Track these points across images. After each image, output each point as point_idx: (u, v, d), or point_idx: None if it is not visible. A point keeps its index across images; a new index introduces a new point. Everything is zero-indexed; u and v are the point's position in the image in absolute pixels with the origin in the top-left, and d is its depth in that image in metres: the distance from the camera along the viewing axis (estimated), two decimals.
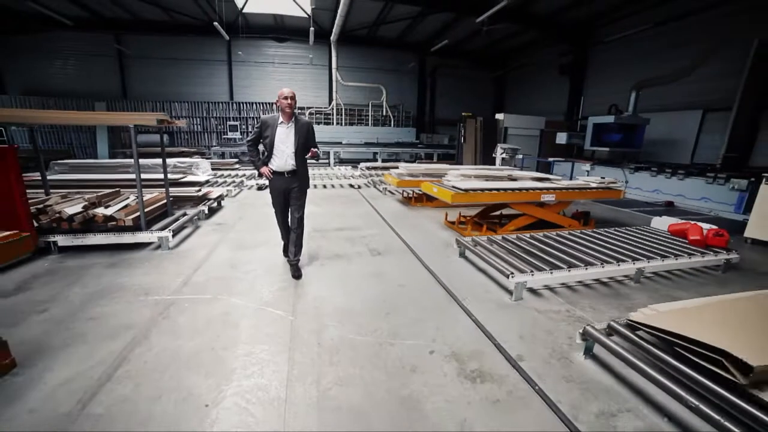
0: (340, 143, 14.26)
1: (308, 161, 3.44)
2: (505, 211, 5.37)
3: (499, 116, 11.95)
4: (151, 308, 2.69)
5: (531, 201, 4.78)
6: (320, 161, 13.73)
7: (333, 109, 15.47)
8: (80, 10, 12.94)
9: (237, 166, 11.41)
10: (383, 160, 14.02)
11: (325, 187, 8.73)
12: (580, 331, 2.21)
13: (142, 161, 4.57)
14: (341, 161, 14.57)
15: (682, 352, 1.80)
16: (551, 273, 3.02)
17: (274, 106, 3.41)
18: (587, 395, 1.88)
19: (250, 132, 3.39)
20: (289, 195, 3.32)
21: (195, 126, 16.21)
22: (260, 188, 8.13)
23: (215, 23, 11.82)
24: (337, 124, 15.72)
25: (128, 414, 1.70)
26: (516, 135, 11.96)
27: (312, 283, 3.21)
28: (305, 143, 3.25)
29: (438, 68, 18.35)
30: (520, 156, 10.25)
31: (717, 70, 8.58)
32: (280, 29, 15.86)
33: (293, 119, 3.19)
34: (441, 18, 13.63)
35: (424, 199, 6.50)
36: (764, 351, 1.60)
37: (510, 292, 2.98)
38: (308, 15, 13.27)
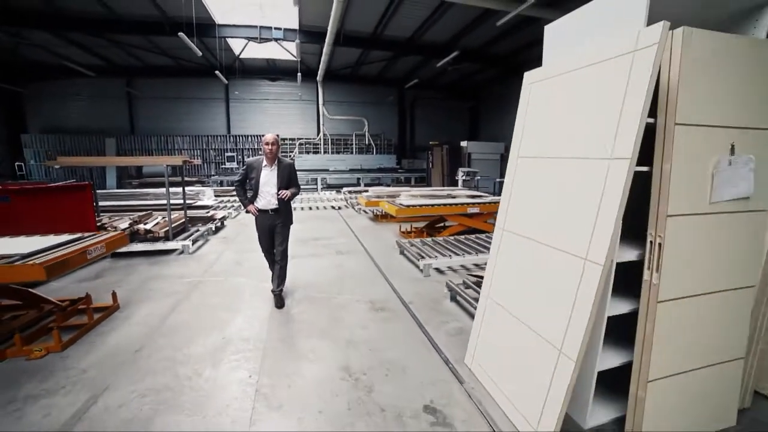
0: (327, 170, 15.98)
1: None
2: (448, 223, 6.97)
3: (464, 143, 13.81)
4: (186, 285, 4.19)
5: (461, 213, 6.39)
6: (308, 187, 15.38)
7: (320, 139, 17.33)
8: (98, 59, 14.85)
9: (235, 193, 13.01)
10: (366, 185, 15.70)
11: (310, 209, 10.32)
12: (447, 285, 3.76)
13: (158, 190, 6.13)
14: (328, 186, 16.23)
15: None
16: (450, 258, 4.59)
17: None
18: (439, 316, 3.40)
19: (238, 173, 3.66)
20: (273, 230, 3.59)
21: (195, 157, 17.89)
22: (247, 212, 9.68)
23: (216, 72, 13.72)
24: (324, 152, 17.53)
25: (186, 325, 3.19)
26: (479, 159, 13.77)
27: (292, 270, 4.71)
28: (287, 184, 3.53)
29: (417, 100, 20.43)
30: (479, 177, 11.99)
31: None
32: (272, 70, 17.89)
33: (276, 162, 3.51)
34: (413, 60, 15.74)
35: (388, 217, 8.10)
36: None
37: (422, 271, 4.53)
38: (297, 58, 15.30)
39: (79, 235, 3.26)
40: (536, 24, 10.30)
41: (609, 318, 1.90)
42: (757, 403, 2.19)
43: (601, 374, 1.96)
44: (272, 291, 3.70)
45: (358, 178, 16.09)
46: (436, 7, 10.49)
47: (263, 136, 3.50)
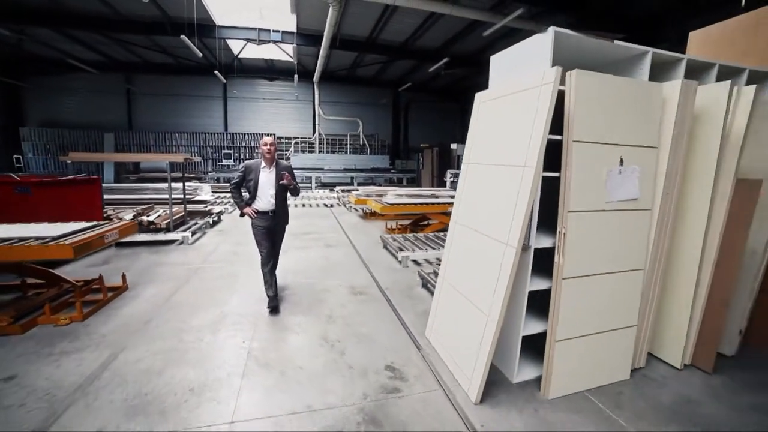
0: (322, 169, 16.45)
1: (287, 199, 3.70)
2: (432, 221, 7.48)
3: (453, 146, 14.34)
4: (186, 270, 4.67)
5: (441, 211, 6.90)
6: (303, 185, 15.83)
7: (316, 139, 17.79)
8: (98, 55, 15.18)
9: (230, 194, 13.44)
10: (359, 184, 16.20)
11: (304, 206, 10.79)
12: (418, 273, 4.26)
13: (156, 185, 6.57)
14: (323, 185, 16.71)
15: None
16: (426, 251, 5.10)
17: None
18: (410, 300, 3.90)
19: (235, 175, 3.54)
20: (272, 232, 3.57)
21: (193, 154, 18.25)
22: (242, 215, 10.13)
23: (216, 72, 14.12)
24: (320, 152, 17.99)
25: (188, 303, 3.67)
26: None
27: (283, 259, 5.17)
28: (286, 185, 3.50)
29: (411, 102, 20.95)
30: None
31: None
32: (270, 70, 18.30)
33: (274, 163, 3.50)
34: (407, 64, 16.24)
35: (376, 214, 8.59)
36: None
37: (401, 263, 5.03)
38: (294, 61, 15.74)
39: (95, 222, 3.73)
40: (521, 35, 10.85)
41: (535, 294, 2.41)
42: (650, 362, 2.73)
43: (531, 342, 2.47)
44: (270, 297, 3.54)
45: (352, 178, 16.58)
46: (427, 17, 11.01)
47: (261, 135, 3.65)
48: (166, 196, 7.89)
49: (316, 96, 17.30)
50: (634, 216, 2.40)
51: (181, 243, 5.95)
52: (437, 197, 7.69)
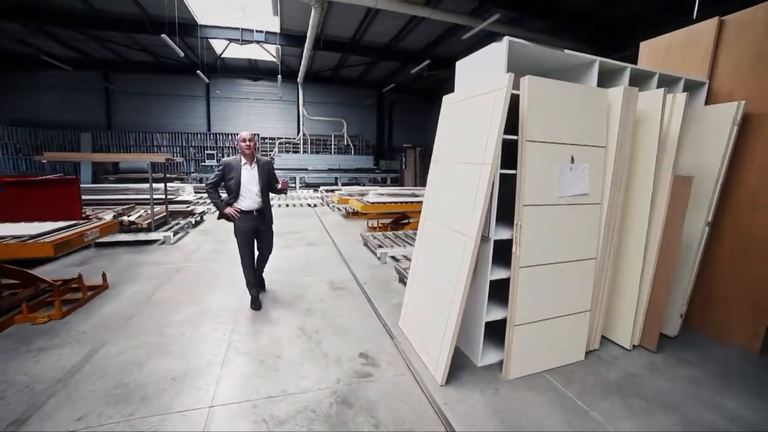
0: (306, 169, 16.49)
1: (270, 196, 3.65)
2: (413, 219, 7.67)
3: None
4: (168, 269, 4.72)
5: (420, 210, 7.10)
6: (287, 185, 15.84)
7: (300, 139, 17.81)
8: (74, 52, 14.82)
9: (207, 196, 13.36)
10: (343, 184, 16.31)
11: (287, 206, 10.85)
12: (394, 268, 4.44)
13: (137, 185, 6.56)
14: (307, 185, 16.75)
15: None
16: (404, 248, 5.28)
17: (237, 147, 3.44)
18: (386, 294, 4.07)
19: (212, 174, 3.39)
20: (258, 233, 3.48)
21: (175, 154, 18.00)
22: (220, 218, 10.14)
23: (198, 71, 14.01)
24: (304, 152, 18.02)
25: (170, 300, 3.74)
26: None
27: None
28: (268, 181, 3.48)
29: (395, 103, 21.15)
30: None
31: None
32: (253, 70, 18.21)
33: (255, 160, 3.41)
34: (391, 65, 16.44)
35: (358, 213, 8.74)
36: None
37: (380, 259, 5.20)
38: (277, 62, 15.74)
39: (74, 222, 3.76)
40: (500, 39, 11.19)
41: (497, 283, 2.60)
42: (604, 344, 2.97)
43: (495, 328, 2.66)
44: (253, 295, 3.56)
45: (336, 178, 16.68)
46: (409, 20, 11.22)
47: (237, 136, 3.39)
48: (148, 197, 7.86)
49: (301, 96, 17.34)
50: (585, 210, 2.63)
51: (163, 243, 5.97)
52: (417, 196, 7.89)
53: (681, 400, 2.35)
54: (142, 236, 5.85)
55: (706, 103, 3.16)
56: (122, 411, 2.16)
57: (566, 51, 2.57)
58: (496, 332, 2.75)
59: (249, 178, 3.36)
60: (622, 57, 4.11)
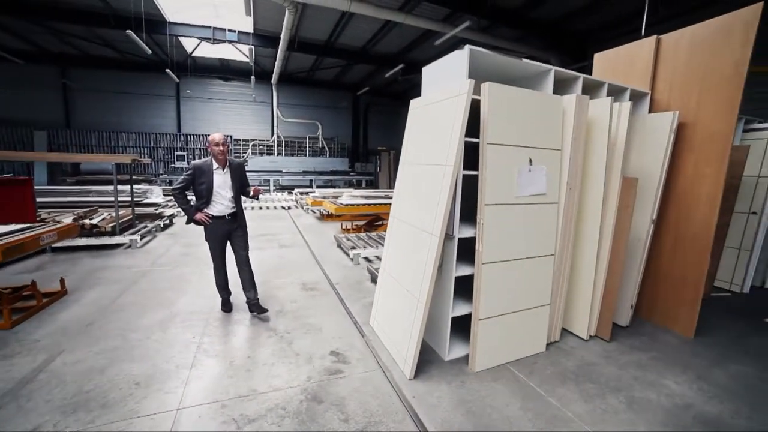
0: (280, 172, 16.28)
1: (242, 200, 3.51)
2: (387, 221, 7.77)
3: None
4: (134, 273, 4.56)
5: None
6: (261, 188, 15.57)
7: (274, 141, 17.56)
8: (27, 45, 13.89)
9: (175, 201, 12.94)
10: (318, 187, 16.22)
11: (261, 208, 10.68)
12: (367, 269, 4.50)
13: (101, 187, 6.31)
14: (281, 188, 16.53)
15: None
16: (376, 248, 5.36)
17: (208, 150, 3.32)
18: (358, 293, 4.12)
19: (180, 178, 3.23)
20: (231, 238, 3.38)
21: (143, 155, 17.28)
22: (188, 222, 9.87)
23: (167, 70, 13.56)
24: (278, 154, 17.78)
25: (136, 304, 3.63)
26: None
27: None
28: (241, 185, 3.36)
29: (370, 105, 21.29)
30: None
31: None
32: (226, 70, 17.83)
33: (227, 163, 3.26)
34: (366, 68, 16.55)
35: (333, 215, 8.75)
36: None
37: (353, 260, 5.25)
38: (251, 63, 15.47)
39: (27, 225, 3.58)
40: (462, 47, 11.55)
41: (463, 279, 2.72)
42: (564, 336, 3.16)
43: (462, 323, 2.76)
44: (248, 302, 3.45)
45: (311, 180, 16.57)
46: (384, 24, 11.38)
47: (209, 139, 3.20)
48: (112, 199, 7.53)
49: (275, 98, 17.12)
50: (544, 208, 2.80)
51: (129, 246, 5.75)
52: (391, 198, 7.99)
53: (628, 383, 2.54)
54: (105, 240, 5.61)
55: (650, 111, 3.45)
56: (81, 419, 2.09)
57: (524, 60, 2.74)
58: (462, 327, 2.87)
59: (221, 183, 3.23)
60: (584, 66, 4.39)
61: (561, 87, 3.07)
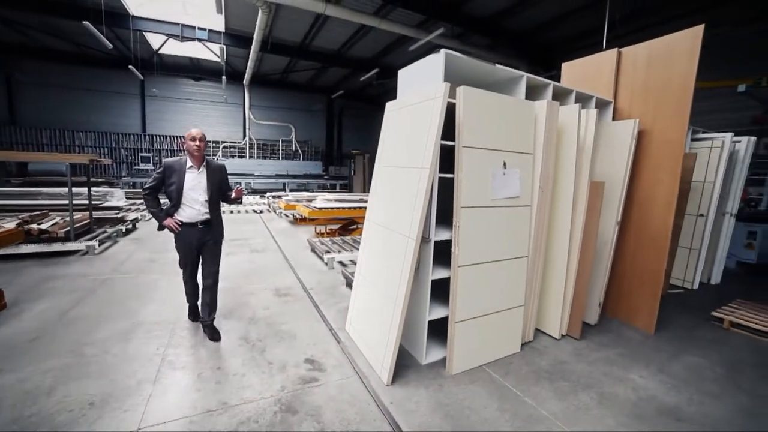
0: (253, 175, 15.85)
1: (221, 208, 3.19)
2: (362, 225, 7.71)
3: None
4: (91, 282, 4.25)
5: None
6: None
7: (246, 143, 17.09)
8: None
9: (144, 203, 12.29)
10: (291, 190, 15.92)
11: (232, 212, 10.33)
12: (341, 273, 4.43)
13: (53, 189, 5.87)
14: (253, 191, 16.07)
15: None
16: (351, 252, 5.29)
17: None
18: (333, 298, 4.04)
19: (151, 178, 2.93)
20: (202, 249, 2.99)
21: (103, 156, 16.28)
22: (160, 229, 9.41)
23: (130, 66, 12.87)
24: (250, 157, 17.31)
25: (92, 315, 3.36)
26: None
27: None
28: (219, 189, 2.99)
29: (345, 109, 21.21)
30: None
31: None
32: (196, 69, 17.19)
33: (204, 163, 2.93)
34: (341, 71, 16.49)
35: (306, 219, 8.58)
36: None
37: (327, 264, 5.15)
38: (222, 62, 15.02)
39: None
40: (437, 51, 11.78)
41: (440, 282, 2.71)
42: (537, 336, 3.23)
43: (439, 326, 2.75)
44: (201, 321, 3.08)
45: (284, 184, 16.25)
46: (359, 28, 11.39)
47: (184, 138, 2.92)
48: (66, 202, 7.00)
49: (247, 99, 16.68)
50: (517, 211, 2.85)
51: (86, 253, 5.36)
52: (365, 201, 7.96)
53: (598, 379, 2.63)
54: (57, 247, 5.19)
55: (613, 119, 3.62)
56: None
57: (497, 65, 2.79)
58: (439, 330, 2.86)
59: (193, 184, 2.86)
60: (552, 75, 4.56)
61: (532, 93, 3.16)
